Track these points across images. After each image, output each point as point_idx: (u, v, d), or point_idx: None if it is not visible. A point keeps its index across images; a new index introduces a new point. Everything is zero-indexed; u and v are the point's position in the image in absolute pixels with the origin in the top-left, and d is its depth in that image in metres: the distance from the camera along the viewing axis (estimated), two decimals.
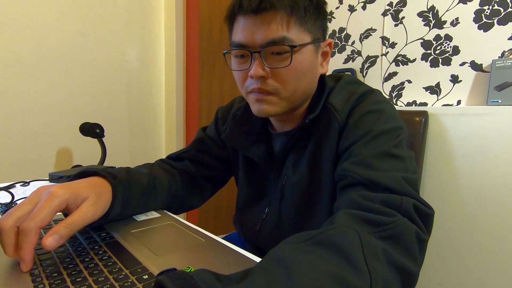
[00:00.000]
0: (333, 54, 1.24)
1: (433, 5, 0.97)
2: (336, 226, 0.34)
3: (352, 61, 1.18)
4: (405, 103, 1.06)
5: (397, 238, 0.36)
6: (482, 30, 0.88)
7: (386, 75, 1.10)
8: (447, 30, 0.95)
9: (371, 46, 1.12)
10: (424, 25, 0.99)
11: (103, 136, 1.30)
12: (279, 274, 0.27)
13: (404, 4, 1.03)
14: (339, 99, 0.55)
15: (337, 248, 0.30)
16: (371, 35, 1.12)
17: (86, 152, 1.61)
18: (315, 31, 0.52)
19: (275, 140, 0.63)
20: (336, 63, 1.23)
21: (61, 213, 0.41)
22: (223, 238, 0.55)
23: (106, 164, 1.36)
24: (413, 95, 1.04)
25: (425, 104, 1.02)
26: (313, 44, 0.52)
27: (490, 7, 0.87)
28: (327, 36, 0.57)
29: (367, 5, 1.12)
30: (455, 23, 0.93)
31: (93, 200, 0.43)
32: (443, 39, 0.96)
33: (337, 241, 0.31)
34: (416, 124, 0.88)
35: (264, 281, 0.26)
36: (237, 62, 0.54)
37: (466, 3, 0.91)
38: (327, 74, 0.60)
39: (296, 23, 0.49)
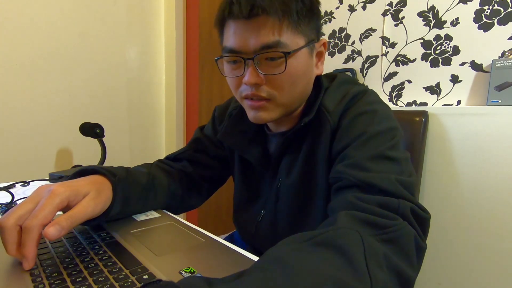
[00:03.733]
0: (333, 54, 1.24)
1: (433, 5, 0.97)
2: (338, 227, 0.33)
3: (352, 61, 1.18)
4: (405, 103, 1.06)
5: (397, 242, 0.35)
6: (482, 30, 0.88)
7: (386, 75, 1.10)
8: (447, 30, 0.95)
9: (371, 46, 1.12)
10: (424, 25, 0.99)
11: (103, 136, 1.30)
12: (276, 274, 0.26)
13: (404, 4, 1.03)
14: (332, 100, 0.54)
15: (338, 249, 0.30)
16: (371, 35, 1.12)
17: (86, 152, 1.61)
18: (309, 33, 0.50)
19: (270, 140, 0.63)
20: (336, 63, 1.23)
21: (61, 212, 0.41)
22: (223, 238, 0.55)
23: (106, 164, 1.36)
24: (413, 95, 1.04)
25: (425, 104, 1.02)
26: (307, 47, 0.50)
27: (490, 7, 0.87)
28: (322, 36, 0.56)
29: (367, 5, 1.12)
30: (455, 23, 0.93)
31: (93, 195, 0.43)
32: (443, 39, 0.96)
33: (339, 242, 0.31)
34: (416, 124, 0.88)
35: (260, 280, 0.25)
36: (229, 68, 0.52)
37: (466, 3, 0.91)
38: (323, 73, 0.58)
39: (289, 27, 0.47)
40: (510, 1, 0.83)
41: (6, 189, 0.72)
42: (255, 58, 0.48)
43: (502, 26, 0.85)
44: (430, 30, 0.98)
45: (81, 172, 0.49)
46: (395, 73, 1.07)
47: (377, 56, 1.11)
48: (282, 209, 0.60)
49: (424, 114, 0.89)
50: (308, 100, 0.57)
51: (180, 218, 0.55)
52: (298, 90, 0.52)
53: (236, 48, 0.49)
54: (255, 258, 0.39)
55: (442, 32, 0.96)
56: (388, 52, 1.08)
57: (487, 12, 0.87)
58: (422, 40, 1.00)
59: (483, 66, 0.89)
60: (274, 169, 0.61)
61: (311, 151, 0.55)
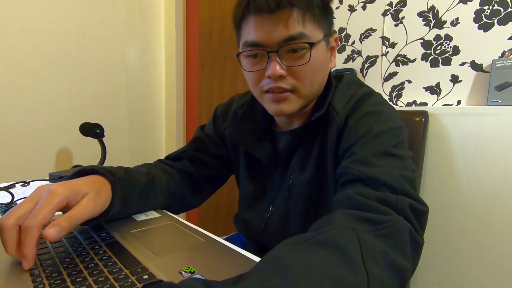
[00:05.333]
0: None
1: (433, 5, 0.97)
2: (335, 227, 0.34)
3: (352, 61, 1.18)
4: (405, 103, 1.06)
5: (392, 236, 0.36)
6: (482, 30, 0.88)
7: (386, 75, 1.10)
8: (447, 30, 0.95)
9: (371, 46, 1.12)
10: (424, 25, 0.99)
11: (103, 136, 1.30)
12: (274, 275, 0.26)
13: (404, 4, 1.03)
14: (340, 100, 0.55)
15: (335, 248, 0.30)
16: (371, 35, 1.12)
17: (86, 152, 1.61)
18: (326, 27, 0.53)
19: (279, 138, 0.63)
20: (336, 63, 1.23)
21: (61, 212, 0.41)
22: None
23: (106, 164, 1.36)
24: (413, 95, 1.04)
25: (425, 104, 1.02)
26: (324, 40, 0.53)
27: (490, 7, 0.87)
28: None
29: (367, 5, 1.12)
30: (455, 23, 0.93)
31: (93, 195, 0.43)
32: (443, 39, 0.96)
33: (336, 241, 0.31)
34: (416, 124, 0.88)
35: (258, 282, 0.25)
36: (250, 63, 0.53)
37: (466, 3, 0.91)
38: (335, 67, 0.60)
39: (310, 20, 0.49)
40: (510, 1, 0.83)
41: (6, 189, 0.72)
42: (279, 51, 0.49)
43: (502, 26, 0.85)
44: (430, 30, 0.98)
45: (81, 172, 0.49)
46: (395, 73, 1.07)
47: (377, 56, 1.11)
48: (295, 205, 0.61)
49: (424, 114, 0.89)
50: (319, 97, 0.59)
51: (180, 218, 0.55)
52: (318, 82, 0.54)
53: (260, 41, 0.50)
54: (256, 258, 0.39)
55: (442, 32, 0.96)
56: (388, 52, 1.08)
57: (487, 12, 0.87)
58: (422, 40, 1.00)
59: (483, 66, 0.89)
60: (284, 166, 0.61)
61: (323, 147, 0.56)
